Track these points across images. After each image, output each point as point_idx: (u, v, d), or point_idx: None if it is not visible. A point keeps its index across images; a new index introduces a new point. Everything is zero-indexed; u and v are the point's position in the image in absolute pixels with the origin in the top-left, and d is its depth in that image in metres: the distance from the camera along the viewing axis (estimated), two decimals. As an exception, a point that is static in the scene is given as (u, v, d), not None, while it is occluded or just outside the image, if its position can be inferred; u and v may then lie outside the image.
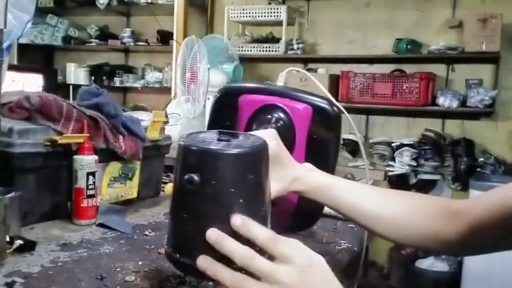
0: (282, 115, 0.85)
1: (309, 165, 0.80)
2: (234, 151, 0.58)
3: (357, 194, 0.77)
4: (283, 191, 0.76)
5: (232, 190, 0.57)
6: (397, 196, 0.80)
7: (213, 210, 0.58)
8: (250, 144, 0.61)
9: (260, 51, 3.74)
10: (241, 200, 0.58)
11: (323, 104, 0.88)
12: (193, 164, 0.58)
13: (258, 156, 0.61)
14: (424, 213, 0.76)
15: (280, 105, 0.85)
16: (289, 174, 0.76)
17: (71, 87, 4.28)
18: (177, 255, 0.60)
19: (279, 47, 3.66)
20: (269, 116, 0.85)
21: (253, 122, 0.86)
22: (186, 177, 0.57)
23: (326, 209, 1.01)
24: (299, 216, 0.93)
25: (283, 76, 0.93)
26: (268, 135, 0.71)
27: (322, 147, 0.88)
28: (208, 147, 0.58)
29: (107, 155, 1.17)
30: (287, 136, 0.80)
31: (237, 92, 0.90)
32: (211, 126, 0.96)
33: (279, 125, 0.84)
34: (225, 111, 0.91)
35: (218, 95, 0.96)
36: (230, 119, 0.89)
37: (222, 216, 0.57)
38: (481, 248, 0.76)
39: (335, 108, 0.88)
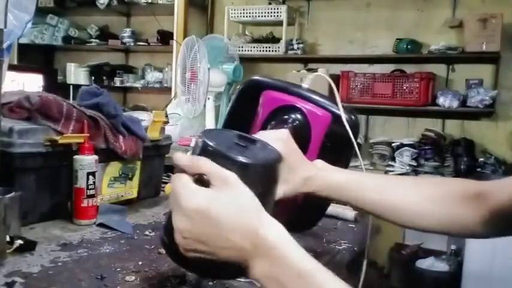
0: (300, 118, 0.84)
1: (320, 162, 0.79)
2: (243, 160, 0.57)
3: (371, 189, 0.76)
4: (292, 193, 0.74)
5: None
6: (413, 184, 0.79)
7: None
8: (263, 156, 0.60)
9: (260, 51, 3.74)
10: None
11: (343, 113, 0.87)
12: None
13: (268, 171, 0.60)
14: (442, 201, 0.75)
15: (300, 107, 0.84)
16: (299, 176, 0.75)
17: (71, 87, 4.28)
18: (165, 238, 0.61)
19: (279, 47, 3.66)
20: (287, 117, 0.85)
21: (272, 119, 0.86)
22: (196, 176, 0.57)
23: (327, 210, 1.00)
24: (301, 216, 0.93)
25: (310, 79, 0.91)
26: (278, 137, 0.72)
27: (334, 155, 0.87)
28: (221, 150, 0.57)
29: (107, 155, 1.17)
30: (301, 140, 0.79)
31: (261, 86, 0.89)
32: (230, 115, 0.96)
33: (295, 126, 0.83)
34: (247, 103, 0.91)
35: (243, 86, 0.96)
36: (250, 111, 0.89)
37: None
38: (501, 232, 0.74)
39: (353, 118, 0.87)
